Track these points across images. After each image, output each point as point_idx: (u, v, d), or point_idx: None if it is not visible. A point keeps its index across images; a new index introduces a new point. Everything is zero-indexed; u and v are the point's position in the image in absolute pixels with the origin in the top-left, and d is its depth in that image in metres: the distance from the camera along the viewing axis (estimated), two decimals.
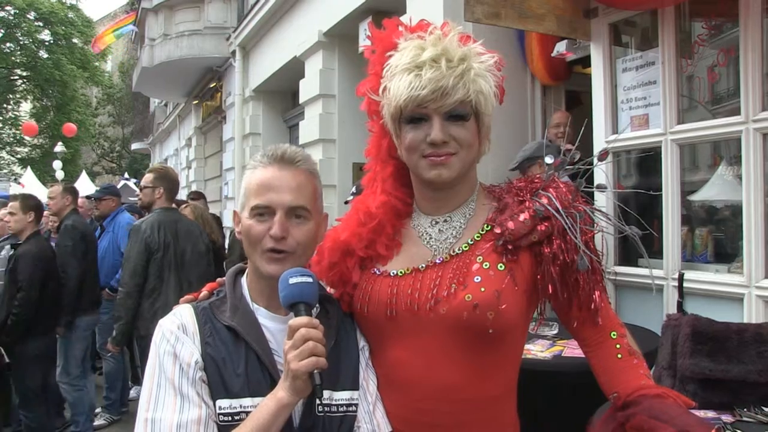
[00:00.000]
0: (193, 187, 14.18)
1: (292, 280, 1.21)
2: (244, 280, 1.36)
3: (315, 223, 1.33)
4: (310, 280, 1.22)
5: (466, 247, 1.34)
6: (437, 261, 1.34)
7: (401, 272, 1.35)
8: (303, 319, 1.16)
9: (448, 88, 1.24)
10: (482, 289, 1.26)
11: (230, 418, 1.19)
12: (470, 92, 1.25)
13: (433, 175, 1.31)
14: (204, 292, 1.38)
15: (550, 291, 1.31)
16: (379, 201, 1.42)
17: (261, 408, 1.17)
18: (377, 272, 1.38)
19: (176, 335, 1.23)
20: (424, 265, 1.35)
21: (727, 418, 2.11)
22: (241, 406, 1.20)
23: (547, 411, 2.25)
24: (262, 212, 1.27)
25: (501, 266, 1.29)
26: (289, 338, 1.15)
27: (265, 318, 1.30)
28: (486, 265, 1.30)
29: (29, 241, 4.39)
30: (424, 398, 1.30)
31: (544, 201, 1.31)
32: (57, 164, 16.56)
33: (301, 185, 1.30)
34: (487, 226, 1.35)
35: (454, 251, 1.34)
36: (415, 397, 1.31)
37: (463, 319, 1.26)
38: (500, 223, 1.31)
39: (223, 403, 1.20)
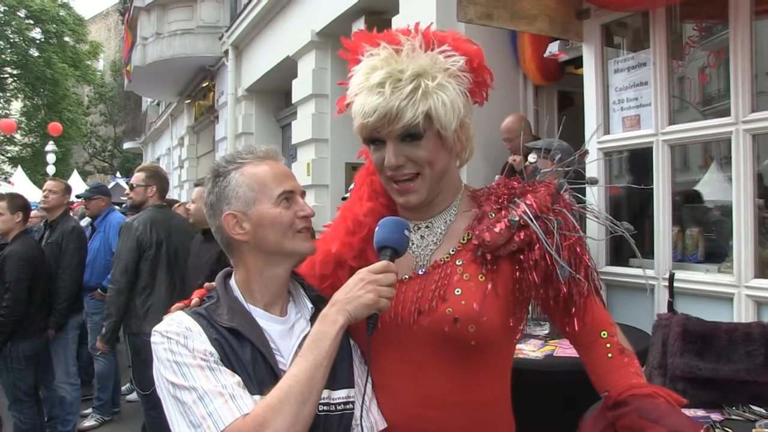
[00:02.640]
0: (186, 187, 14.17)
1: (407, 233, 1.26)
2: (233, 283, 1.36)
3: None
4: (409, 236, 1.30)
5: (447, 257, 1.33)
6: (419, 272, 1.34)
7: None
8: (396, 267, 1.23)
9: (394, 113, 1.23)
10: (462, 302, 1.26)
11: None
12: (418, 112, 1.23)
13: (401, 201, 1.34)
14: (194, 299, 1.36)
15: (533, 299, 1.32)
16: (366, 208, 1.43)
17: (317, 339, 1.18)
18: None
19: (184, 334, 1.21)
20: (407, 276, 1.35)
21: (716, 416, 2.13)
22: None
23: (538, 411, 2.26)
24: (288, 197, 1.32)
25: (482, 277, 1.29)
26: (377, 272, 1.20)
27: (262, 319, 1.30)
28: (466, 276, 1.29)
29: (16, 241, 4.35)
30: (412, 405, 1.31)
31: (520, 210, 1.29)
32: (51, 158, 16.41)
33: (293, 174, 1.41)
34: (468, 235, 1.34)
35: (435, 261, 1.34)
36: (403, 404, 1.31)
37: (445, 332, 1.26)
38: (477, 235, 1.31)
39: None
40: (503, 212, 1.31)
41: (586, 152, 1.54)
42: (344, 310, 1.18)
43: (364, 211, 1.42)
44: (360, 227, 1.41)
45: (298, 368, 1.16)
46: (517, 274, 1.29)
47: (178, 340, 1.20)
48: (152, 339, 1.23)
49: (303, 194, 1.37)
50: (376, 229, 1.27)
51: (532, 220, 1.27)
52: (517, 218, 1.28)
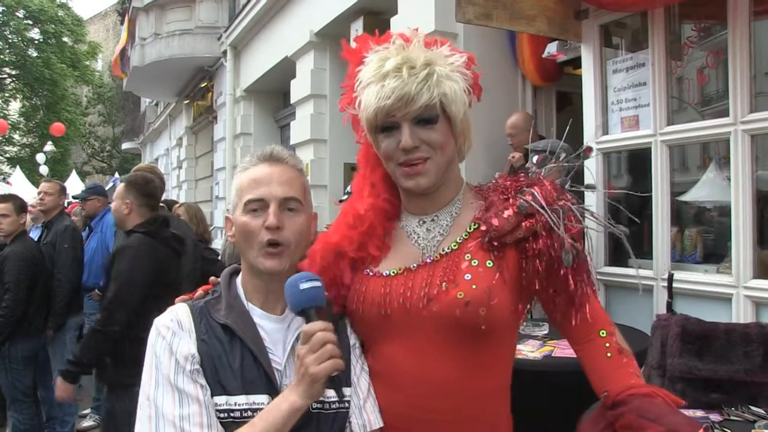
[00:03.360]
0: (184, 187, 14.16)
1: (303, 286, 1.23)
2: (238, 280, 1.37)
3: (306, 217, 1.35)
4: (318, 284, 1.25)
5: (455, 245, 1.36)
6: (428, 260, 1.36)
7: (393, 272, 1.38)
8: (318, 324, 1.20)
9: (412, 95, 1.27)
10: (473, 287, 1.29)
11: (226, 415, 1.21)
12: (434, 95, 1.28)
13: (410, 184, 1.35)
14: (199, 291, 1.39)
15: (537, 287, 1.33)
16: (367, 203, 1.44)
17: (271, 410, 1.18)
18: (370, 273, 1.40)
19: (172, 330, 1.24)
20: (415, 265, 1.37)
21: (715, 417, 2.13)
22: (236, 404, 1.21)
23: (536, 411, 2.26)
24: (256, 207, 1.29)
25: (489, 263, 1.32)
26: (303, 343, 1.18)
27: (260, 318, 1.31)
28: (475, 262, 1.32)
29: (16, 241, 4.36)
30: (419, 393, 1.32)
31: (528, 198, 1.33)
32: (41, 158, 16.33)
33: (291, 179, 1.34)
34: (475, 225, 1.37)
35: (443, 250, 1.36)
36: (410, 393, 1.32)
37: (456, 317, 1.28)
38: (485, 220, 1.34)
39: (219, 400, 1.21)
40: (511, 200, 1.35)
41: (591, 149, 1.55)
42: (299, 391, 1.18)
43: (366, 206, 1.44)
44: (360, 222, 1.42)
45: None
46: (523, 263, 1.33)
47: (165, 336, 1.23)
48: (151, 330, 1.26)
49: (284, 203, 1.29)
50: (287, 296, 1.26)
51: (543, 206, 1.31)
52: (526, 204, 1.32)
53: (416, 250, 1.39)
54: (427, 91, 1.27)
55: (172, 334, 1.24)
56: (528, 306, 1.43)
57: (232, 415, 1.21)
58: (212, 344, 1.24)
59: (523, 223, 1.32)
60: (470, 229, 1.37)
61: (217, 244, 7.63)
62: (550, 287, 1.34)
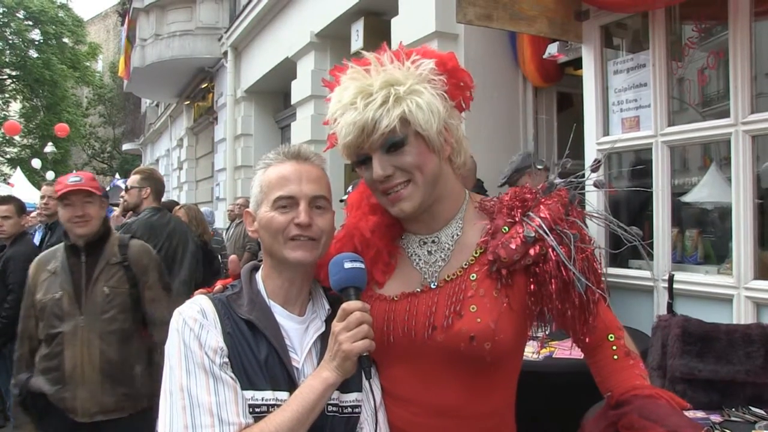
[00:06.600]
0: (185, 188, 14.16)
1: (347, 265, 1.26)
2: (259, 276, 1.37)
3: (332, 215, 1.37)
4: (362, 266, 1.28)
5: (460, 272, 1.31)
6: (431, 286, 1.33)
7: (396, 296, 1.35)
8: (358, 303, 1.22)
9: (370, 125, 1.23)
10: (478, 320, 1.25)
11: (251, 410, 1.20)
12: (393, 117, 1.22)
13: (395, 211, 1.32)
14: (218, 285, 1.38)
15: (548, 310, 1.30)
16: (372, 222, 1.40)
17: (305, 389, 1.20)
18: (373, 294, 1.37)
19: (200, 322, 1.23)
20: (418, 289, 1.34)
21: (715, 417, 2.13)
22: (262, 399, 1.21)
23: (538, 412, 2.26)
24: (285, 204, 1.30)
25: (496, 293, 1.27)
26: (340, 320, 1.21)
27: (280, 316, 1.31)
28: (481, 292, 1.27)
29: (18, 243, 4.36)
30: (423, 414, 1.31)
31: (535, 224, 1.27)
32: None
33: (319, 177, 1.37)
34: (481, 249, 1.32)
35: (447, 276, 1.32)
36: (414, 413, 1.32)
37: (460, 349, 1.25)
38: (492, 251, 1.28)
39: (247, 394, 1.21)
40: (517, 227, 1.29)
41: (600, 164, 1.48)
42: (331, 367, 1.20)
43: (371, 226, 1.40)
44: (367, 248, 1.38)
45: (282, 418, 1.17)
46: (532, 287, 1.28)
47: (192, 328, 1.22)
48: (172, 319, 1.25)
49: (313, 201, 1.31)
50: (331, 273, 1.28)
51: (547, 235, 1.25)
52: (533, 234, 1.26)
53: (418, 274, 1.36)
54: (387, 116, 1.22)
55: (200, 327, 1.22)
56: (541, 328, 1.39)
57: (257, 410, 1.20)
58: (237, 338, 1.24)
59: (531, 250, 1.26)
60: (476, 253, 1.32)
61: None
62: (565, 309, 1.28)
